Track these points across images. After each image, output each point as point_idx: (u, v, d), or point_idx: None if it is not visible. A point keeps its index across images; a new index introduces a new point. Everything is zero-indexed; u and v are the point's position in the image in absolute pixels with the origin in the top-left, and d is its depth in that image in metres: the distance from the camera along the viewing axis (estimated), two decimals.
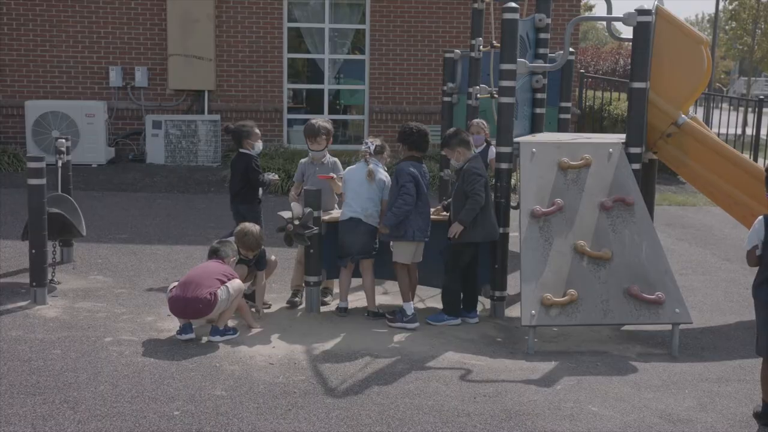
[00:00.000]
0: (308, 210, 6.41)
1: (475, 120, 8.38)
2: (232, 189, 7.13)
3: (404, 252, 6.48)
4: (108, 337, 5.96)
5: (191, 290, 5.83)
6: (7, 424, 4.50)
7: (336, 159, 7.10)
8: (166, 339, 5.96)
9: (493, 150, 8.07)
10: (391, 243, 6.53)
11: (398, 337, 6.17)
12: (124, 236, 9.26)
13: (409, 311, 6.40)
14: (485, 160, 8.08)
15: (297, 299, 6.80)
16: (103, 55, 14.41)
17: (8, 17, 14.20)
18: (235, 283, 6.05)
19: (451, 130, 6.77)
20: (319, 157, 6.96)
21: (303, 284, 6.84)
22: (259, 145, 7.16)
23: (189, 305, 5.82)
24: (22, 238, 7.30)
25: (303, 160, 7.13)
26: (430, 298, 7.22)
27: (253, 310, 6.54)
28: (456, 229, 6.27)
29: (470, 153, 6.47)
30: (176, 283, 6.03)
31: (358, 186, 6.59)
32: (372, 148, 6.73)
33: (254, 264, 6.60)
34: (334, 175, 6.83)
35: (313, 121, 6.98)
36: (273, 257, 6.90)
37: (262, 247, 6.58)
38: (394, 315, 6.46)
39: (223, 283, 5.93)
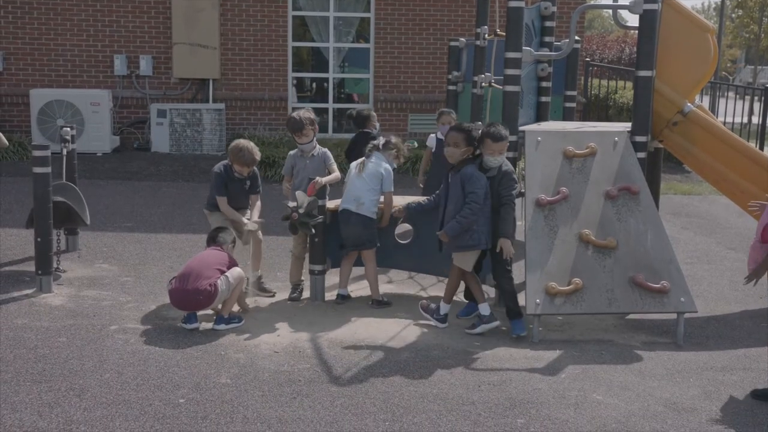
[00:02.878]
0: (312, 198, 6.40)
1: (444, 109, 8.44)
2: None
3: (470, 259, 6.05)
4: (113, 325, 5.97)
5: (191, 282, 5.80)
6: (13, 411, 4.52)
7: (326, 150, 6.95)
8: (171, 327, 5.97)
9: None
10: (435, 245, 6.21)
11: (403, 326, 6.17)
12: (129, 225, 9.28)
13: (443, 311, 6.16)
14: None
15: (296, 294, 6.79)
16: (107, 43, 14.41)
17: (13, 5, 14.20)
18: (235, 272, 6.04)
19: (492, 123, 6.19)
20: (309, 149, 6.85)
21: (302, 279, 6.85)
22: (378, 125, 8.33)
23: (189, 297, 5.81)
24: (26, 226, 7.32)
25: (292, 152, 6.97)
26: (431, 286, 7.24)
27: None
28: (506, 245, 5.86)
29: None
30: (176, 275, 6.02)
31: (354, 177, 6.60)
32: (381, 142, 6.71)
33: (249, 187, 6.68)
34: (319, 178, 6.54)
35: (295, 114, 6.80)
36: (260, 234, 6.83)
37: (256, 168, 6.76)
38: (429, 308, 6.22)
39: (222, 272, 5.93)
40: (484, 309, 6.04)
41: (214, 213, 6.79)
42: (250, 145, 6.61)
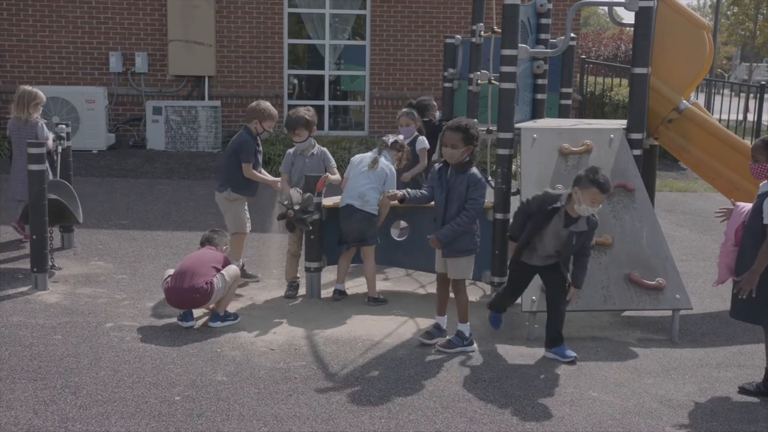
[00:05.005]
0: (308, 195, 6.40)
1: (404, 109, 7.98)
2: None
3: (468, 267, 5.65)
4: (109, 323, 5.96)
5: (187, 280, 5.79)
6: (9, 408, 4.51)
7: (324, 149, 7.00)
8: (166, 324, 5.97)
9: (422, 140, 7.73)
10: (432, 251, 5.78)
11: (399, 324, 6.17)
12: (125, 222, 9.26)
13: (467, 333, 5.63)
14: (414, 151, 7.68)
15: (292, 291, 6.80)
16: (103, 40, 14.38)
17: (8, 2, 14.16)
18: (231, 270, 6.04)
19: (595, 168, 5.34)
20: (304, 148, 6.86)
21: (298, 276, 6.86)
22: (438, 114, 8.52)
23: (186, 296, 5.80)
24: (19, 219, 7.32)
25: (290, 150, 6.97)
26: (430, 284, 7.24)
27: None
28: (574, 295, 5.56)
29: None
30: (171, 271, 6.02)
31: (359, 173, 6.59)
32: (390, 141, 6.73)
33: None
34: (327, 174, 6.67)
35: (292, 112, 6.90)
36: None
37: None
38: (449, 342, 5.62)
39: (218, 270, 5.93)
40: (466, 329, 5.65)
41: (241, 197, 6.89)
42: (268, 103, 7.06)
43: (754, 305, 4.97)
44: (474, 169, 5.58)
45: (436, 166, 5.70)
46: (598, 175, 5.23)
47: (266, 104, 6.97)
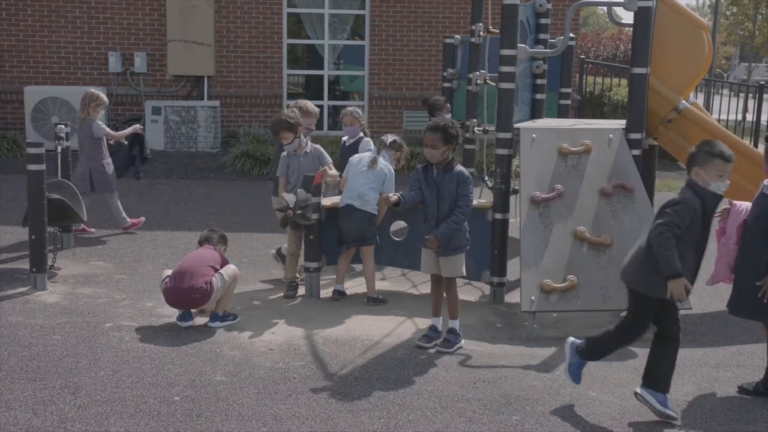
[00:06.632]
0: (313, 201, 6.38)
1: (348, 108, 7.75)
2: None
3: (463, 263, 5.67)
4: (108, 323, 5.96)
5: (186, 280, 5.80)
6: (8, 409, 4.51)
7: (318, 146, 6.96)
8: (166, 325, 5.97)
9: (368, 141, 7.43)
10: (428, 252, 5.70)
11: (398, 324, 6.17)
12: None
13: (458, 329, 5.68)
14: (358, 152, 7.30)
15: (291, 292, 6.79)
16: (102, 40, 14.38)
17: (7, 2, 14.16)
18: (230, 269, 6.04)
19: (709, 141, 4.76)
20: (295, 148, 6.80)
21: (297, 276, 6.86)
22: (449, 116, 8.03)
23: (185, 296, 5.80)
24: (23, 224, 7.31)
25: (283, 153, 6.88)
26: (422, 284, 7.24)
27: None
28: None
29: None
30: (169, 272, 6.02)
31: (359, 172, 6.60)
32: (389, 140, 6.76)
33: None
34: (326, 168, 6.70)
35: (275, 116, 6.95)
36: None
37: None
38: (447, 342, 5.63)
39: (216, 270, 5.93)
40: (456, 325, 5.68)
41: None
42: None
43: (758, 301, 4.96)
44: (460, 167, 5.62)
45: (419, 166, 5.70)
46: (712, 146, 4.64)
47: (305, 102, 7.22)
